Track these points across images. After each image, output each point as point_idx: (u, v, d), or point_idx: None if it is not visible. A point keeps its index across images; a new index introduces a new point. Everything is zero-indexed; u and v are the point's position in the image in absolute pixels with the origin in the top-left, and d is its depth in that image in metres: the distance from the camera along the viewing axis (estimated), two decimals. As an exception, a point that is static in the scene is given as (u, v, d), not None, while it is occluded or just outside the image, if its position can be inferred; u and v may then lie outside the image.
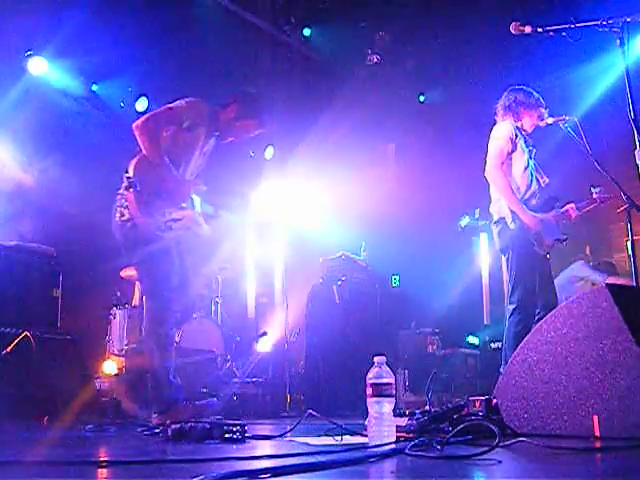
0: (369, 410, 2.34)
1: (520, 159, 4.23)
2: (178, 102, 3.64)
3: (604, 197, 4.39)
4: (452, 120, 8.27)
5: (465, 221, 6.03)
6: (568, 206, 4.39)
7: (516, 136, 4.22)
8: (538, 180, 4.29)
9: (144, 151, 3.51)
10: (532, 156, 4.33)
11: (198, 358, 5.31)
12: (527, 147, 4.29)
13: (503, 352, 4.07)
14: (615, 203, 4.33)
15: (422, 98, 8.67)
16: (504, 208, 4.18)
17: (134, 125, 3.52)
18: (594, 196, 4.41)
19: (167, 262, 3.55)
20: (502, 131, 4.29)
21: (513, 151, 4.21)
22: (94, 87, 6.70)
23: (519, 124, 4.32)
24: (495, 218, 4.27)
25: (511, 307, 4.06)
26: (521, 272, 4.07)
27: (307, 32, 7.75)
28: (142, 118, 3.58)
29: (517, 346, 2.62)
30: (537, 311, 4.04)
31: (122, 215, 3.48)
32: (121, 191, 3.55)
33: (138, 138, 3.51)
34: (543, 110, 4.29)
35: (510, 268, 4.13)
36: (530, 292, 4.04)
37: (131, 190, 3.42)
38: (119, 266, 6.48)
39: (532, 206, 4.17)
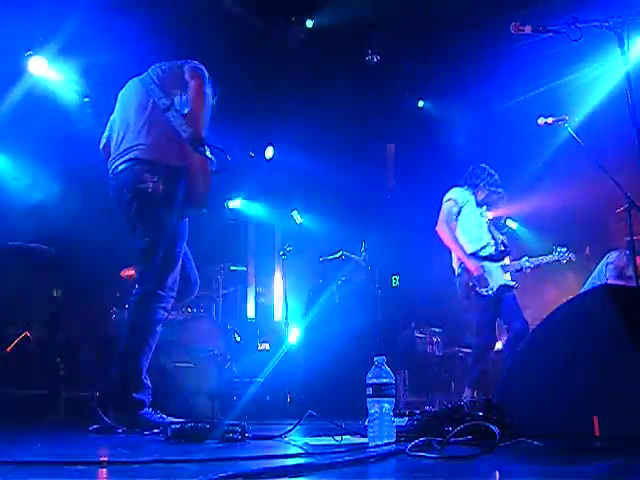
0: (369, 410, 2.34)
1: (470, 218, 4.94)
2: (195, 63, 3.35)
3: (564, 258, 5.07)
4: (452, 120, 8.27)
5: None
6: (523, 259, 5.14)
7: (465, 201, 4.96)
8: (493, 234, 5.05)
9: (198, 106, 3.11)
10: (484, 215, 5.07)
11: (198, 358, 5.31)
12: (479, 208, 5.03)
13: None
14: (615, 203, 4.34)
15: (421, 103, 8.69)
16: (455, 259, 4.99)
17: (197, 82, 3.16)
18: (555, 257, 5.12)
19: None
20: (451, 195, 5.03)
21: (460, 213, 4.94)
22: (94, 87, 6.70)
23: (476, 193, 5.05)
24: (456, 272, 5.01)
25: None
26: (476, 313, 4.84)
27: (309, 24, 7.64)
28: (201, 73, 3.22)
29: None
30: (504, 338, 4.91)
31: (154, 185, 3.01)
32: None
33: (198, 90, 3.14)
34: (496, 196, 5.06)
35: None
36: (486, 331, 4.81)
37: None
38: (119, 266, 6.49)
39: (483, 256, 4.89)
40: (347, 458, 1.86)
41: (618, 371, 2.24)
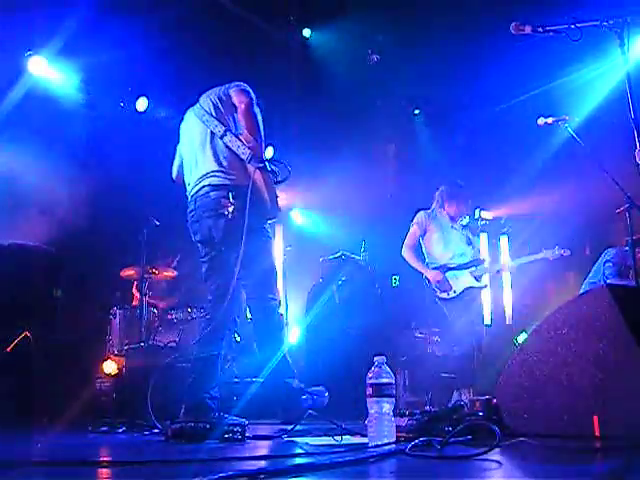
0: (369, 410, 2.34)
1: (437, 236, 5.54)
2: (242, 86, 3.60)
3: (553, 255, 5.56)
4: (452, 121, 8.27)
5: (465, 221, 6.08)
6: (509, 260, 5.90)
7: (428, 223, 5.59)
8: (473, 243, 5.65)
9: (250, 126, 3.41)
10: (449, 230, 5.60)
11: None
12: (453, 222, 5.60)
13: None
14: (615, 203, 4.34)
15: (417, 112, 8.73)
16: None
17: (245, 104, 3.45)
18: (543, 254, 5.63)
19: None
20: (415, 220, 5.67)
21: (425, 233, 5.58)
22: (93, 87, 6.70)
23: (445, 210, 5.62)
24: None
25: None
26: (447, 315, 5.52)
27: (307, 33, 7.75)
28: (247, 95, 3.50)
29: None
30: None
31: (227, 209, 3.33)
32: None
33: (247, 111, 3.42)
34: (464, 205, 5.60)
35: None
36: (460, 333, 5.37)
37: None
38: (119, 266, 6.49)
39: (452, 266, 5.47)
40: (347, 458, 1.86)
41: (618, 371, 2.24)
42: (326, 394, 3.39)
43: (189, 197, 3.54)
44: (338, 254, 6.59)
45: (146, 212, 6.09)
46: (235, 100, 3.48)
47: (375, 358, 2.37)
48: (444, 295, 5.48)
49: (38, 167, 6.00)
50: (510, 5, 6.12)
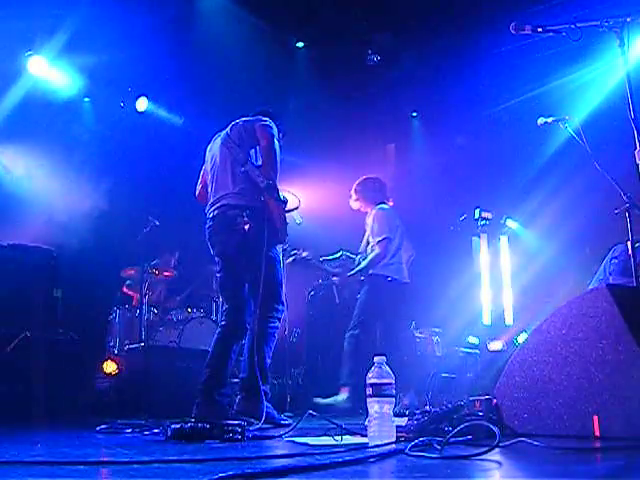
0: (369, 410, 2.34)
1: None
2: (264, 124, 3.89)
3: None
4: (452, 121, 8.27)
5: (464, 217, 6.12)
6: None
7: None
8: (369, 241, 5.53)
9: (269, 160, 3.72)
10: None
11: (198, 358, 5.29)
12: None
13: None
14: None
15: (414, 114, 8.72)
16: None
17: (267, 140, 3.75)
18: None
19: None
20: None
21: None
22: (93, 87, 6.71)
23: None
24: None
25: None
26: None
27: (300, 45, 7.81)
28: (269, 132, 3.80)
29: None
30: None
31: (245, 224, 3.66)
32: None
33: (268, 147, 3.74)
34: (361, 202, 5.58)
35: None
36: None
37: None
38: (119, 266, 6.49)
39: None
40: (347, 458, 1.86)
41: (618, 371, 2.24)
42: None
43: (209, 215, 3.86)
44: (338, 254, 6.58)
45: (146, 212, 6.09)
46: (259, 134, 3.81)
47: (375, 358, 2.37)
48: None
49: (37, 167, 6.01)
50: (510, 5, 6.13)
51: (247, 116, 4.03)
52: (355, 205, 5.60)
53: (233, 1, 6.87)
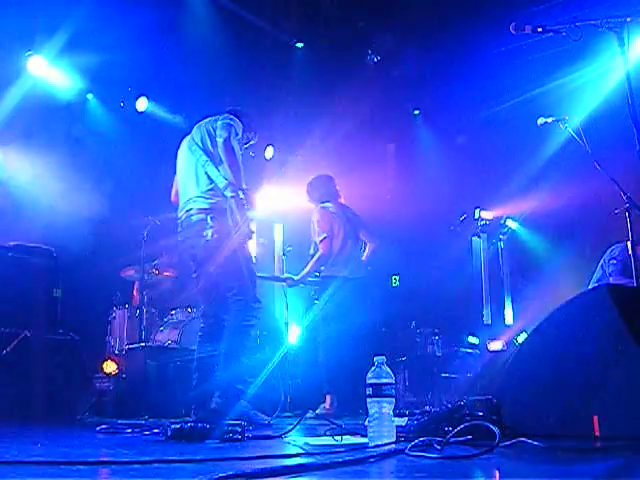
0: (369, 410, 2.34)
1: None
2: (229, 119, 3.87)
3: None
4: (452, 121, 8.27)
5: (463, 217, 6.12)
6: None
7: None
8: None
9: (228, 159, 3.70)
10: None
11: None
12: None
13: None
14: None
15: (416, 112, 8.71)
16: None
17: (224, 138, 3.72)
18: None
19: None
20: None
21: None
22: (93, 87, 6.70)
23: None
24: None
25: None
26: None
27: (299, 45, 7.81)
28: (226, 130, 3.78)
29: None
30: None
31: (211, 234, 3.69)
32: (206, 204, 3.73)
33: (225, 146, 3.71)
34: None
35: None
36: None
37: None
38: (119, 266, 6.49)
39: None
40: (347, 458, 1.86)
41: (618, 371, 2.24)
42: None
43: (178, 221, 3.93)
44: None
45: (146, 211, 6.09)
46: (218, 133, 3.79)
47: (375, 358, 2.37)
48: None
49: (37, 167, 6.00)
50: (510, 5, 6.13)
51: (213, 116, 3.98)
52: (312, 205, 5.51)
53: (234, 1, 6.87)
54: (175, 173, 4.14)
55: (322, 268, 5.28)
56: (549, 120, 4.28)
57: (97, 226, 6.06)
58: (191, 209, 3.76)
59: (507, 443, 2.05)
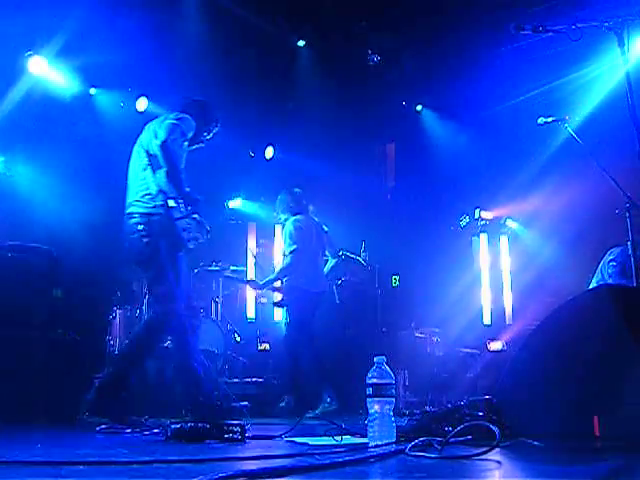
0: (369, 410, 2.34)
1: None
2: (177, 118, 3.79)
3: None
4: (452, 121, 8.27)
5: (465, 221, 6.08)
6: None
7: None
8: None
9: (165, 162, 3.63)
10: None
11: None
12: None
13: None
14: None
15: (419, 107, 8.70)
16: None
17: (161, 140, 3.61)
18: None
19: None
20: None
21: None
22: (93, 87, 6.70)
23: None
24: None
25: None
26: None
27: (301, 43, 7.81)
28: (167, 131, 3.67)
29: None
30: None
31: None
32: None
33: (161, 149, 3.62)
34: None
35: None
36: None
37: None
38: (119, 266, 6.48)
39: None
40: (347, 458, 1.86)
41: (618, 371, 2.24)
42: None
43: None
44: (338, 254, 6.59)
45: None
46: (159, 134, 3.65)
47: (375, 358, 2.37)
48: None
49: (37, 167, 6.00)
50: (510, 5, 6.13)
51: (164, 114, 3.89)
52: (282, 218, 5.65)
53: (234, 1, 6.86)
54: None
55: (285, 279, 5.46)
56: (549, 120, 4.28)
57: (97, 226, 6.05)
58: (130, 213, 3.77)
59: (507, 443, 2.05)
